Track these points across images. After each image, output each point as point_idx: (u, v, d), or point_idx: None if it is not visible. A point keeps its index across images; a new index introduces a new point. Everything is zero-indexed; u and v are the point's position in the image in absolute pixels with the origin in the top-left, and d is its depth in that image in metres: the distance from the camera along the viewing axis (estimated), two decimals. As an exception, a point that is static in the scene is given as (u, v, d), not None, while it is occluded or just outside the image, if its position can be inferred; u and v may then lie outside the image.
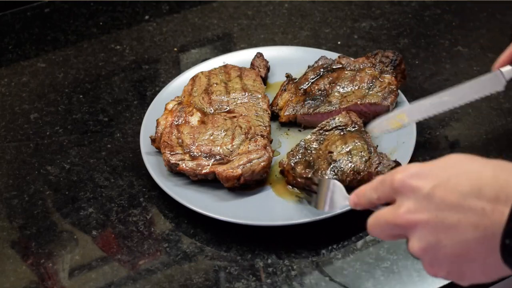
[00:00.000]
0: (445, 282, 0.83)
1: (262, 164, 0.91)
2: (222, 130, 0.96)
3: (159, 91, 1.13)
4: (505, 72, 0.91)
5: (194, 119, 0.98)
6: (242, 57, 1.13)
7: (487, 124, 1.04)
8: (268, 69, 1.11)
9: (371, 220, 0.70)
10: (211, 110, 1.01)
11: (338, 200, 0.82)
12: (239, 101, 1.02)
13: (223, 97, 1.03)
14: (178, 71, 1.18)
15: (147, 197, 0.96)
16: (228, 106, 1.02)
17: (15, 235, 0.93)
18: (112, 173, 1.00)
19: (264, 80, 1.09)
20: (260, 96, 1.03)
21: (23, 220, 0.94)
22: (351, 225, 0.90)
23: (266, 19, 1.28)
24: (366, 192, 0.72)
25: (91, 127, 1.08)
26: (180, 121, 0.98)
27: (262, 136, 0.95)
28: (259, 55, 1.12)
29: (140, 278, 0.86)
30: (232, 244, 0.89)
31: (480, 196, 0.63)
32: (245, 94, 1.03)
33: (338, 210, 0.87)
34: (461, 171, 0.65)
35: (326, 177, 0.90)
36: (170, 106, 1.03)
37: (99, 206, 0.95)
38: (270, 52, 1.13)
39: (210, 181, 0.93)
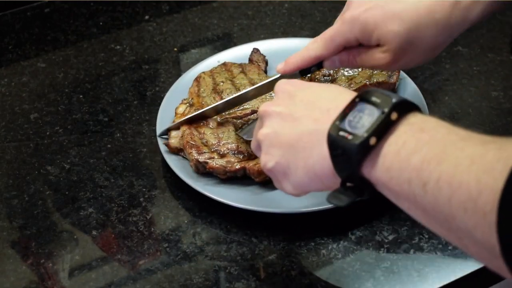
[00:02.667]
0: (445, 282, 0.83)
1: None
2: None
3: (159, 91, 1.13)
4: (293, 75, 0.93)
5: (213, 122, 0.98)
6: (235, 54, 1.14)
7: (487, 124, 1.04)
8: (266, 62, 1.12)
9: None
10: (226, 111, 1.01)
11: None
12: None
13: (234, 95, 1.03)
14: (178, 71, 1.18)
15: (147, 197, 0.96)
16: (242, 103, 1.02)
17: (15, 235, 0.93)
18: (112, 173, 1.00)
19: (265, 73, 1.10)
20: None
21: (23, 220, 0.94)
22: (351, 225, 0.90)
23: (266, 19, 1.28)
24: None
25: (91, 127, 1.08)
26: (197, 123, 0.98)
27: None
28: (256, 51, 1.13)
29: (140, 278, 0.86)
30: (232, 244, 0.89)
31: (332, 101, 0.70)
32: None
33: (248, 139, 0.92)
34: (329, 88, 0.73)
35: None
36: (181, 110, 1.02)
37: (99, 206, 0.95)
38: (263, 46, 1.14)
39: (238, 179, 0.94)
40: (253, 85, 1.04)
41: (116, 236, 0.91)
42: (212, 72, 1.08)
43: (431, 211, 0.61)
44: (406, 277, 0.84)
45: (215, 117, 1.00)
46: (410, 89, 1.05)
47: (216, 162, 0.93)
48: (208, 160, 0.93)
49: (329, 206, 0.89)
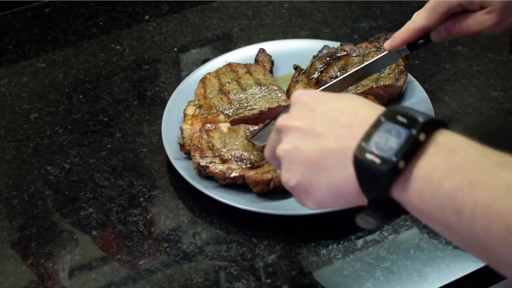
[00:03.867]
0: (445, 282, 0.83)
1: None
2: None
3: (159, 91, 1.13)
4: (399, 51, 0.96)
5: (225, 126, 0.98)
6: (242, 55, 1.14)
7: (487, 124, 1.04)
8: (272, 63, 1.12)
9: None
10: (233, 111, 1.01)
11: (267, 137, 0.88)
12: (257, 96, 1.03)
13: (241, 95, 1.03)
14: (178, 71, 1.18)
15: (147, 197, 0.96)
16: (248, 102, 1.02)
17: (15, 235, 0.93)
18: (112, 173, 1.00)
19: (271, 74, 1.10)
20: (276, 88, 1.04)
21: (23, 220, 0.94)
22: (351, 225, 0.90)
23: (266, 19, 1.28)
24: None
25: (91, 127, 1.08)
26: (210, 126, 0.97)
27: None
28: (262, 51, 1.13)
29: (140, 278, 0.86)
30: (232, 244, 0.89)
31: (354, 116, 0.66)
32: (261, 88, 1.04)
33: (263, 143, 0.92)
34: (351, 101, 0.69)
35: None
36: (190, 111, 1.02)
37: (99, 206, 0.95)
38: (270, 47, 1.14)
39: (238, 185, 0.93)
40: (260, 85, 1.04)
41: (116, 236, 0.91)
42: (217, 73, 1.08)
43: (466, 238, 0.59)
44: (406, 277, 0.84)
45: (227, 122, 0.99)
46: (417, 92, 1.05)
47: (217, 167, 0.92)
48: (208, 165, 0.93)
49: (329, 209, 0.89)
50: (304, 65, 1.09)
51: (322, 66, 1.08)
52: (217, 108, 1.02)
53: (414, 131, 0.61)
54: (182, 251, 0.89)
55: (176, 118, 1.03)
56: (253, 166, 0.93)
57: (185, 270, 0.86)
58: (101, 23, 1.29)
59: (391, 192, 0.62)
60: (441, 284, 0.83)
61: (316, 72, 1.07)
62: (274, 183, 0.90)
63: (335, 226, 0.90)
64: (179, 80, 1.16)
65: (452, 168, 0.59)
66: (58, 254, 0.90)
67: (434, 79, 1.12)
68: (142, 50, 1.22)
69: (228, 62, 1.12)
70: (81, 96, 1.14)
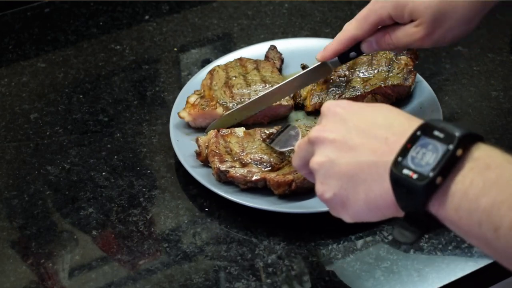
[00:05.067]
0: (445, 282, 0.83)
1: None
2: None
3: (159, 91, 1.13)
4: (331, 63, 0.97)
5: (240, 130, 0.98)
6: (253, 51, 1.14)
7: (487, 124, 1.04)
8: (282, 61, 1.12)
9: (296, 149, 0.77)
10: (234, 105, 1.01)
11: (288, 143, 0.92)
12: (260, 93, 1.02)
13: (244, 90, 1.03)
14: (178, 71, 1.18)
15: (147, 197, 0.96)
16: (250, 98, 1.02)
17: (15, 235, 0.93)
18: (112, 173, 1.00)
19: (279, 72, 1.10)
20: None
21: (23, 220, 0.94)
22: (351, 225, 0.90)
23: (266, 19, 1.28)
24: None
25: (91, 127, 1.08)
26: (225, 132, 0.97)
27: None
28: (273, 48, 1.13)
29: (140, 278, 0.86)
30: (232, 244, 0.89)
31: (389, 128, 0.66)
32: (265, 86, 1.04)
33: (285, 149, 0.93)
34: (382, 111, 0.69)
35: None
36: (192, 100, 1.03)
37: (99, 206, 0.95)
38: (280, 45, 1.14)
39: (258, 189, 0.93)
40: (265, 82, 1.04)
41: (116, 236, 0.91)
42: (226, 66, 1.08)
43: (504, 254, 0.59)
44: (406, 277, 0.84)
45: (242, 127, 0.99)
46: (426, 92, 1.05)
47: (237, 171, 0.92)
48: (229, 169, 0.92)
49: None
50: (313, 63, 1.09)
51: None
52: (218, 100, 1.02)
53: (451, 146, 0.61)
54: (182, 251, 0.89)
55: (181, 125, 1.03)
56: (273, 169, 0.93)
57: (185, 270, 0.86)
58: (101, 23, 1.29)
59: (428, 206, 0.62)
60: (441, 284, 0.83)
61: None
62: (296, 184, 0.90)
63: (335, 226, 0.90)
64: (179, 80, 1.16)
65: (489, 184, 0.59)
66: (58, 254, 0.90)
67: (434, 79, 1.12)
68: (142, 50, 1.22)
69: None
70: (81, 96, 1.14)
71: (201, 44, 1.24)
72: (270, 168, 0.93)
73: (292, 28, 1.25)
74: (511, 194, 0.58)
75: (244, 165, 0.93)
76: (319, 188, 0.71)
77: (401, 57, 1.07)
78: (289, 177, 0.90)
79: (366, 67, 1.06)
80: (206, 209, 0.93)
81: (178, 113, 1.02)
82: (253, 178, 0.91)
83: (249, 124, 1.02)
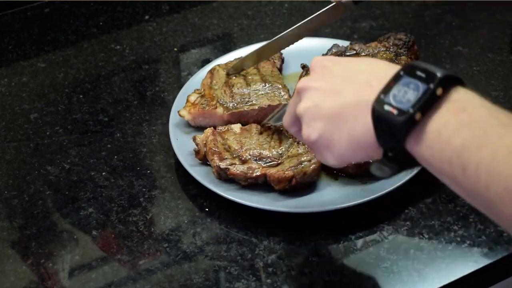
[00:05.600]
0: (445, 282, 0.83)
1: (313, 166, 0.91)
2: (268, 135, 0.97)
3: (159, 91, 1.13)
4: (345, 3, 1.01)
5: (236, 127, 0.98)
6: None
7: (487, 124, 1.04)
8: (282, 60, 1.12)
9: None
10: (234, 105, 1.01)
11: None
12: (260, 92, 1.03)
13: (244, 90, 1.03)
14: (178, 71, 1.18)
15: (147, 197, 0.96)
16: (250, 98, 1.02)
17: (15, 235, 0.93)
18: (112, 173, 1.00)
19: (279, 71, 1.10)
20: (280, 86, 1.04)
21: (23, 220, 0.94)
22: (351, 225, 0.90)
23: (266, 19, 1.28)
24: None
25: (91, 127, 1.08)
26: (221, 129, 0.98)
27: None
28: None
29: (140, 278, 0.86)
30: (232, 244, 0.89)
31: (371, 74, 0.69)
32: (265, 85, 1.04)
33: (279, 123, 0.93)
34: (366, 61, 0.73)
35: None
36: (192, 98, 1.03)
37: (99, 206, 0.95)
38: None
39: (259, 185, 0.93)
40: (265, 82, 1.04)
41: (116, 236, 0.91)
42: (226, 65, 1.08)
43: (470, 193, 0.62)
44: (406, 277, 0.84)
45: (238, 124, 0.99)
46: None
47: (237, 168, 0.92)
48: (229, 167, 0.92)
49: (329, 207, 0.89)
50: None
51: None
52: (218, 100, 1.02)
53: (432, 85, 0.63)
54: (182, 251, 0.89)
55: (181, 124, 1.03)
56: (274, 164, 0.93)
57: (185, 270, 0.86)
58: (101, 23, 1.29)
59: (405, 144, 0.65)
60: (441, 284, 0.83)
61: None
62: (296, 179, 0.90)
63: (335, 226, 0.90)
64: (179, 80, 1.16)
65: (462, 125, 0.62)
66: (58, 254, 0.90)
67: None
68: (142, 50, 1.22)
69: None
70: (81, 96, 1.14)
71: (201, 44, 1.24)
72: (270, 163, 0.93)
73: (292, 28, 1.25)
74: (480, 136, 0.60)
75: (243, 161, 0.93)
76: (305, 131, 0.74)
77: (401, 57, 1.07)
78: (289, 173, 0.90)
79: None
80: (206, 209, 0.94)
81: (178, 112, 1.02)
82: (254, 175, 0.92)
83: (249, 123, 1.02)
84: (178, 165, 0.98)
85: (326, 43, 1.13)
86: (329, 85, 0.72)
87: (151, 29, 1.27)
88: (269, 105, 1.02)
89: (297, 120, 0.77)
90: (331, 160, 0.74)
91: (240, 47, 1.18)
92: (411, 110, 0.63)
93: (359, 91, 0.69)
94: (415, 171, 0.92)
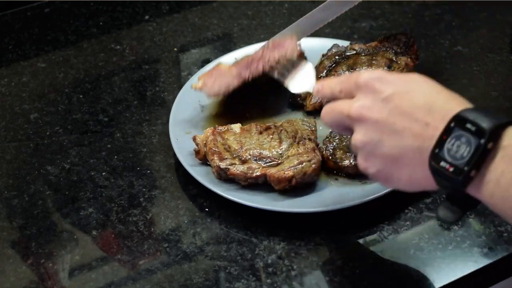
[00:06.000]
0: (445, 282, 0.83)
1: (313, 166, 0.91)
2: (268, 135, 0.96)
3: (159, 91, 1.13)
4: None
5: (236, 127, 0.98)
6: (253, 52, 1.14)
7: (487, 124, 1.04)
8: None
9: (327, 107, 0.78)
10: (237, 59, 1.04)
11: (304, 82, 0.93)
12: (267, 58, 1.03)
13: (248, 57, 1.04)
14: (178, 71, 1.18)
15: (147, 197, 0.96)
16: (253, 56, 1.03)
17: (15, 235, 0.93)
18: (112, 173, 1.00)
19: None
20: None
21: (23, 220, 0.94)
22: (351, 225, 0.90)
23: (266, 19, 1.28)
24: (331, 83, 0.79)
25: (91, 127, 1.08)
26: (221, 129, 0.98)
27: (309, 139, 0.95)
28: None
29: (140, 278, 0.86)
30: (232, 244, 0.89)
31: (429, 112, 0.70)
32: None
33: (298, 91, 0.96)
34: (420, 88, 0.72)
35: None
36: (203, 72, 1.06)
37: (99, 206, 0.95)
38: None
39: (259, 185, 0.93)
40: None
41: (116, 236, 0.91)
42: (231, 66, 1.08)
43: None
44: (406, 277, 0.84)
45: (238, 124, 0.99)
46: None
47: (237, 169, 0.92)
48: (229, 167, 0.92)
49: (330, 207, 0.89)
50: (314, 63, 1.09)
51: (330, 64, 1.08)
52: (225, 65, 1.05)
53: (482, 141, 0.65)
54: (182, 251, 0.89)
55: (183, 119, 1.03)
56: (274, 164, 0.93)
57: (185, 270, 0.86)
58: (101, 23, 1.29)
59: (467, 191, 0.67)
60: (441, 284, 0.83)
61: (325, 71, 1.07)
62: (296, 179, 0.90)
63: (335, 226, 0.90)
64: (179, 80, 1.16)
65: None
66: (58, 254, 0.90)
67: (434, 79, 1.12)
68: (142, 50, 1.22)
69: (238, 59, 1.12)
70: (81, 96, 1.14)
71: (201, 44, 1.24)
72: (270, 163, 0.93)
73: (292, 28, 1.25)
74: None
75: (243, 161, 0.93)
76: (362, 163, 0.75)
77: (401, 57, 1.07)
78: (289, 173, 0.90)
79: (366, 67, 1.06)
80: (206, 209, 0.94)
81: (191, 85, 1.04)
82: (254, 175, 0.92)
83: (259, 71, 1.02)
84: (178, 165, 0.98)
85: (326, 43, 1.13)
86: (387, 121, 0.71)
87: (151, 29, 1.27)
88: (271, 43, 1.03)
89: (342, 124, 0.77)
90: (388, 187, 0.78)
91: (240, 47, 1.18)
92: (466, 169, 0.66)
93: (418, 135, 0.69)
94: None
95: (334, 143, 0.96)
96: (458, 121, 0.67)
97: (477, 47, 1.18)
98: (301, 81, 0.95)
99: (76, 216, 0.94)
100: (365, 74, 0.74)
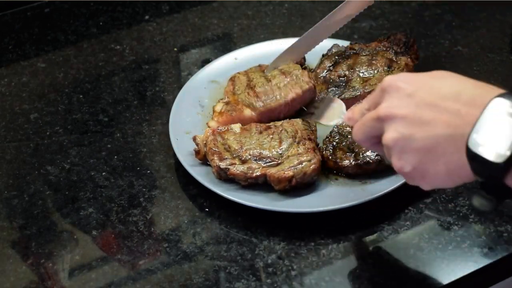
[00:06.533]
0: (445, 282, 0.83)
1: (313, 166, 0.91)
2: (268, 135, 0.96)
3: (159, 91, 1.13)
4: None
5: (236, 127, 0.98)
6: (253, 51, 1.15)
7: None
8: (304, 58, 1.11)
9: (357, 124, 0.77)
10: (260, 104, 1.02)
11: (334, 115, 0.97)
12: (282, 84, 1.03)
13: (266, 87, 1.03)
14: (178, 71, 1.18)
15: (147, 197, 0.96)
16: (274, 93, 1.02)
17: (15, 235, 0.93)
18: (112, 173, 1.00)
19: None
20: (299, 73, 1.04)
21: (23, 220, 0.94)
22: (351, 225, 0.90)
23: (266, 19, 1.28)
24: (360, 106, 0.79)
25: (91, 127, 1.08)
26: (222, 128, 0.98)
27: (310, 139, 0.95)
28: None
29: (140, 278, 0.86)
30: (232, 244, 0.89)
31: (458, 99, 0.68)
32: (285, 77, 1.04)
33: (332, 123, 0.98)
34: (445, 80, 0.71)
35: (367, 154, 0.93)
36: (218, 108, 1.03)
37: (99, 206, 0.95)
38: (280, 46, 1.14)
39: (259, 185, 0.93)
40: (284, 74, 1.04)
41: (116, 236, 0.91)
42: (246, 72, 1.08)
43: None
44: (406, 277, 0.84)
45: (238, 123, 0.99)
46: None
47: (237, 169, 0.92)
48: (229, 167, 0.92)
49: (330, 207, 0.89)
50: (314, 63, 1.10)
51: (330, 64, 1.08)
52: (243, 102, 1.02)
53: None
54: (182, 251, 0.89)
55: (183, 120, 1.03)
56: (274, 164, 0.93)
57: (185, 270, 0.86)
58: (101, 23, 1.29)
59: (505, 180, 0.65)
60: (441, 284, 0.83)
61: (325, 71, 1.07)
62: (296, 179, 0.90)
63: (335, 226, 0.90)
64: (179, 80, 1.16)
65: None
66: (58, 254, 0.90)
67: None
68: (142, 50, 1.22)
69: (238, 59, 1.13)
70: (81, 96, 1.14)
71: (201, 44, 1.24)
72: (269, 163, 0.93)
73: (292, 28, 1.25)
74: None
75: (243, 161, 0.93)
76: (396, 163, 0.73)
77: (401, 57, 1.07)
78: (289, 173, 0.90)
79: (366, 67, 1.06)
80: (206, 209, 0.94)
81: (207, 123, 1.02)
82: (254, 175, 0.92)
83: (280, 118, 1.02)
84: (178, 165, 0.98)
85: (326, 43, 1.13)
86: (415, 115, 0.70)
87: (151, 29, 1.27)
88: (293, 98, 1.02)
89: (371, 139, 0.76)
90: (425, 187, 0.74)
91: (240, 47, 1.18)
92: (508, 153, 0.64)
93: (450, 122, 0.68)
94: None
95: (334, 143, 0.96)
96: (497, 104, 0.66)
97: (477, 47, 1.18)
98: (332, 114, 0.98)
99: (76, 216, 0.94)
100: (388, 77, 0.74)
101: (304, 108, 1.02)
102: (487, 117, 0.65)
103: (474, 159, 0.66)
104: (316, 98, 1.03)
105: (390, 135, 0.72)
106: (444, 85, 0.70)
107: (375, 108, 0.75)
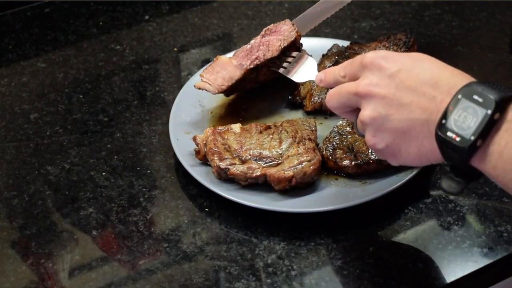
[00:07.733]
0: (445, 282, 0.83)
1: (313, 166, 0.91)
2: (268, 135, 0.97)
3: (159, 91, 1.13)
4: None
5: (236, 126, 0.98)
6: None
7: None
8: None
9: (332, 90, 0.80)
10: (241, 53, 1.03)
11: (307, 73, 0.95)
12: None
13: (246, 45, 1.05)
14: (178, 71, 1.18)
15: (147, 197, 0.96)
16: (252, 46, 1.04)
17: (15, 235, 0.93)
18: (112, 173, 1.00)
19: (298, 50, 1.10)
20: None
21: (23, 220, 0.94)
22: (351, 225, 0.90)
23: (266, 19, 1.28)
24: (334, 69, 0.80)
25: (91, 127, 1.08)
26: (221, 129, 0.98)
27: (310, 139, 0.95)
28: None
29: (140, 278, 0.86)
30: (232, 244, 0.89)
31: (435, 86, 0.71)
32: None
33: (301, 80, 0.97)
34: (425, 64, 0.74)
35: (367, 154, 0.94)
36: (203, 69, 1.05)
37: (99, 206, 0.95)
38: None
39: (259, 185, 0.93)
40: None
41: (116, 236, 0.91)
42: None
43: None
44: (406, 277, 0.84)
45: (238, 123, 0.99)
46: None
47: (237, 169, 0.92)
48: (229, 167, 0.92)
49: (330, 207, 0.89)
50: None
51: (330, 64, 1.08)
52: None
53: (489, 111, 0.67)
54: (182, 251, 0.89)
55: (183, 120, 1.03)
56: (274, 164, 0.93)
57: (185, 270, 0.86)
58: (101, 23, 1.29)
59: (470, 162, 0.69)
60: (441, 284, 0.83)
61: None
62: (296, 179, 0.90)
63: (335, 226, 0.90)
64: (179, 80, 1.16)
65: None
66: (58, 254, 0.90)
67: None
68: (142, 50, 1.22)
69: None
70: (81, 96, 1.14)
71: (201, 44, 1.24)
72: (269, 163, 0.93)
73: (292, 28, 1.25)
74: None
75: (243, 161, 0.93)
76: (370, 139, 0.76)
77: None
78: (289, 173, 0.90)
79: None
80: (206, 209, 0.94)
81: (194, 85, 1.03)
82: (254, 175, 0.92)
83: (260, 61, 1.02)
84: (178, 165, 0.98)
85: (326, 43, 1.13)
86: (394, 96, 0.73)
87: (151, 29, 1.27)
88: (267, 30, 1.03)
89: (348, 106, 0.78)
90: (394, 163, 0.78)
91: (240, 47, 1.18)
92: (472, 138, 0.67)
93: (426, 108, 0.71)
94: (414, 171, 0.92)
95: (334, 143, 0.96)
96: (466, 92, 0.69)
97: (477, 47, 1.18)
98: (304, 72, 0.96)
99: (76, 216, 0.94)
100: (370, 54, 0.76)
101: (277, 61, 1.01)
102: (455, 104, 0.69)
103: (443, 143, 0.69)
104: (288, 52, 1.02)
105: (367, 113, 0.75)
106: (423, 70, 0.73)
107: (353, 80, 0.77)
